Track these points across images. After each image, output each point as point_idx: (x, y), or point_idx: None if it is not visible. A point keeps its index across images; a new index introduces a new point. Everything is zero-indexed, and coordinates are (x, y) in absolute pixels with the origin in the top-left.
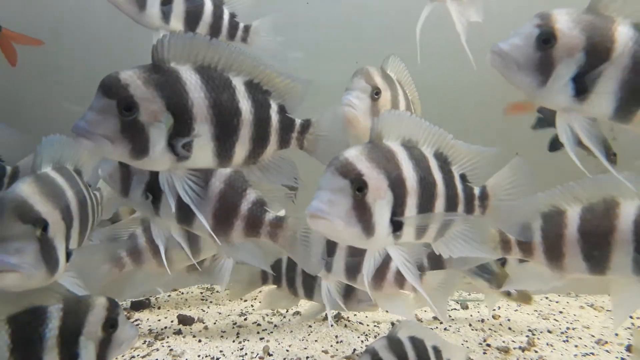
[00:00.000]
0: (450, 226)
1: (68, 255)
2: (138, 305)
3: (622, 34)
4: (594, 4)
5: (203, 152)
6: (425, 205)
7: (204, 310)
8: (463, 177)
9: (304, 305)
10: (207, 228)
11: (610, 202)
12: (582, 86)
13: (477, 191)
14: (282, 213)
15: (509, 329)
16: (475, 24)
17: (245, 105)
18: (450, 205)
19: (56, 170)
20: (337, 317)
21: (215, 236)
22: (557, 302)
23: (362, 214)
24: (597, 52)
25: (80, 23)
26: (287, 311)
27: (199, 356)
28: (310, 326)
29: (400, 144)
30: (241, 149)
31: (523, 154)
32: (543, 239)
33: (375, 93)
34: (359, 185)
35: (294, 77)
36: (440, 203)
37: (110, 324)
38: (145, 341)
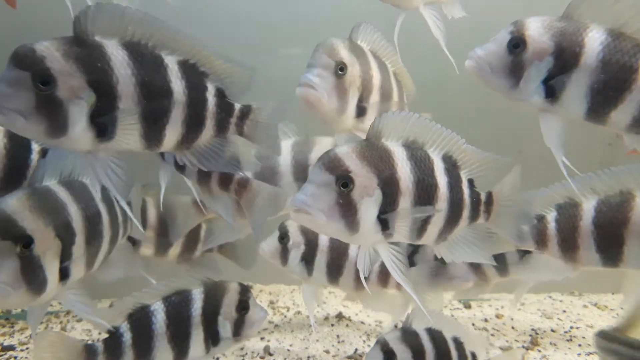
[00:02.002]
0: (454, 230)
1: (65, 273)
2: None
3: (593, 39)
4: (569, 11)
5: (129, 133)
6: (423, 206)
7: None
8: (471, 182)
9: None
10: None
11: (626, 195)
12: (553, 88)
13: (483, 197)
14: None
15: (512, 328)
16: (468, 24)
17: (177, 85)
18: (455, 210)
19: (63, 184)
20: (339, 317)
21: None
22: (560, 301)
23: (347, 210)
24: (565, 57)
25: None
26: (288, 310)
27: None
28: (311, 326)
29: (401, 144)
30: (172, 132)
31: (526, 152)
32: (557, 230)
33: (340, 69)
34: (345, 181)
35: (238, 62)
36: (441, 205)
37: (242, 306)
38: None
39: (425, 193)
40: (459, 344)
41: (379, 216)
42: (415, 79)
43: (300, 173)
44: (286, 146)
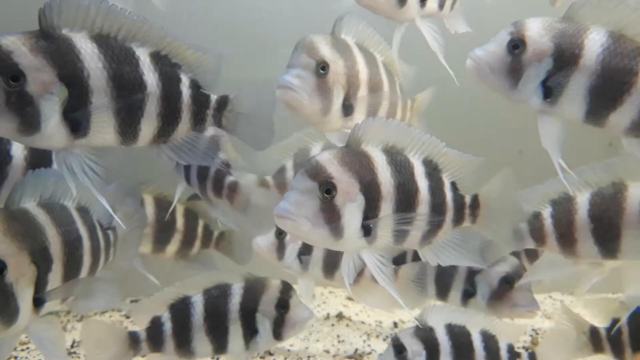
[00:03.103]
0: (438, 234)
1: (39, 302)
2: None
3: (593, 41)
4: (570, 13)
5: (103, 128)
6: (404, 211)
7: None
8: (454, 185)
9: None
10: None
11: (618, 186)
12: (551, 90)
13: (468, 199)
14: None
15: None
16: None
17: (150, 78)
18: (437, 213)
19: (42, 206)
20: (339, 317)
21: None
22: (560, 301)
23: (330, 216)
24: (565, 58)
25: None
26: None
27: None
28: (311, 325)
29: (381, 149)
30: (148, 126)
31: (527, 152)
32: (554, 226)
33: (322, 68)
34: (327, 188)
35: (206, 50)
36: (423, 209)
37: (282, 305)
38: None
39: (406, 197)
40: (489, 337)
41: (362, 221)
42: (416, 79)
43: None
44: (317, 149)
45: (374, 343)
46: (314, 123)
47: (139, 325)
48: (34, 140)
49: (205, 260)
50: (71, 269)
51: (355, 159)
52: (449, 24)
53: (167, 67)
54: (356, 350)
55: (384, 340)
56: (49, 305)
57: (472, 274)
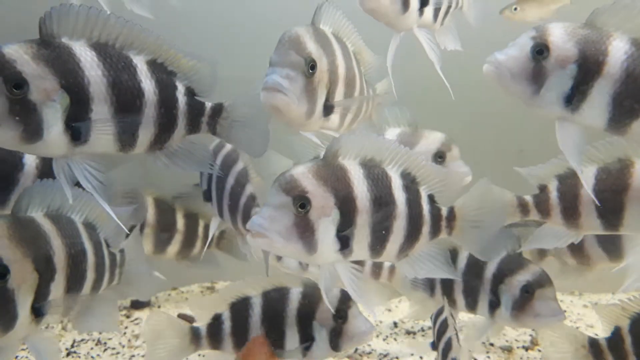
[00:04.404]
0: (415, 246)
1: (40, 312)
2: (138, 304)
3: (617, 48)
4: (592, 19)
5: (103, 135)
6: (381, 224)
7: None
8: (431, 198)
9: None
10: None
11: (624, 162)
12: (574, 97)
13: (444, 212)
14: None
15: (513, 328)
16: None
17: (148, 85)
18: (414, 225)
19: (49, 217)
20: None
21: None
22: (561, 300)
23: (304, 230)
24: (589, 65)
25: None
26: None
27: (199, 355)
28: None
29: (358, 162)
30: (145, 133)
31: (527, 151)
32: (559, 199)
33: (311, 67)
34: (302, 202)
35: (201, 57)
36: (400, 222)
37: (340, 315)
38: (145, 340)
39: (382, 210)
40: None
41: (337, 235)
42: (416, 79)
43: None
44: (391, 136)
45: (374, 342)
46: (296, 125)
47: (200, 321)
48: (36, 148)
49: (209, 260)
50: (74, 282)
51: (331, 172)
52: (439, 39)
53: (164, 75)
54: (356, 349)
55: (384, 340)
56: (49, 318)
57: (495, 284)
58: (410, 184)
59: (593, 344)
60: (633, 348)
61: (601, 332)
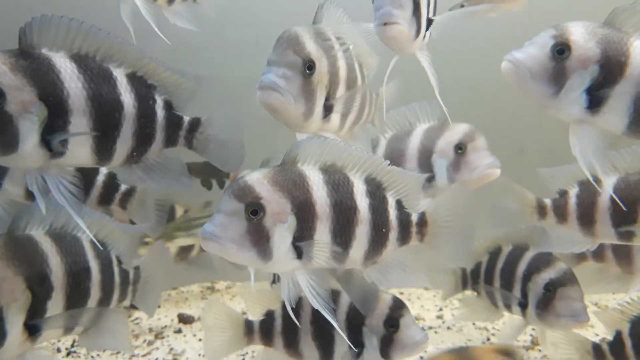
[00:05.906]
0: (382, 253)
1: (34, 329)
2: None
3: (639, 48)
4: (611, 19)
5: (80, 148)
6: (342, 230)
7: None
8: (399, 203)
9: None
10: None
11: None
12: (595, 99)
13: (415, 218)
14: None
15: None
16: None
17: (127, 98)
18: (379, 231)
19: (50, 235)
20: None
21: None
22: None
23: (258, 238)
24: (611, 66)
25: None
26: None
27: (199, 355)
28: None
29: (318, 168)
30: (123, 146)
31: (528, 151)
32: (577, 205)
33: (309, 67)
34: (254, 209)
35: (183, 72)
36: (363, 228)
37: (391, 324)
38: (145, 340)
39: (344, 216)
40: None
41: (295, 243)
42: (416, 79)
43: (425, 159)
44: (420, 130)
45: None
46: (293, 126)
47: (251, 315)
48: (10, 160)
49: (205, 263)
50: (74, 300)
51: (288, 178)
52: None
53: (143, 88)
54: None
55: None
56: (47, 335)
57: (525, 282)
58: (375, 189)
59: (596, 348)
60: (633, 351)
61: (602, 333)
